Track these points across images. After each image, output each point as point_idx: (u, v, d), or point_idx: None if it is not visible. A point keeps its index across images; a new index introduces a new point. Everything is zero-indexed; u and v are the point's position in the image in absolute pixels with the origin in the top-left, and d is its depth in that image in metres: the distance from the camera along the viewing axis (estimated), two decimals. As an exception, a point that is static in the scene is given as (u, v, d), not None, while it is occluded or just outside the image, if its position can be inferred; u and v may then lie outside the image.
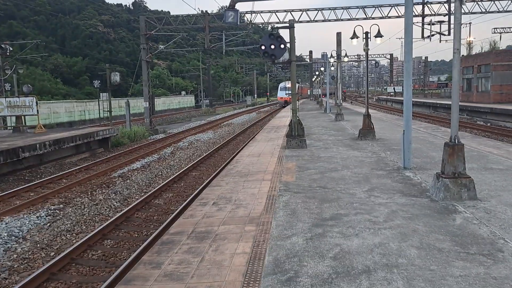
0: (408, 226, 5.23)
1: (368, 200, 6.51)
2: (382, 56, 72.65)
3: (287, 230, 5.28)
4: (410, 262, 4.19)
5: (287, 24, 12.09)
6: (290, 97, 44.50)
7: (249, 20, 30.58)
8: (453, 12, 6.60)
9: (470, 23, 42.40)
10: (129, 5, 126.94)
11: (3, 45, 25.36)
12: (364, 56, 14.54)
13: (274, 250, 4.66)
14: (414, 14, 32.19)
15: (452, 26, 29.51)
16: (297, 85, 22.87)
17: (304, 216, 5.81)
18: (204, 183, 11.82)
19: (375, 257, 4.33)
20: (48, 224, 9.20)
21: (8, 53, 25.44)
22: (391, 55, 74.46)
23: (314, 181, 7.91)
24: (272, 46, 11.40)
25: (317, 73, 61.72)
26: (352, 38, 14.82)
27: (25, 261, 7.21)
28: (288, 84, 53.27)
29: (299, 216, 5.82)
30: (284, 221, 5.64)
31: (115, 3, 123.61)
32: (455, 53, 6.52)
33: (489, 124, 28.14)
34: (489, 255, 4.28)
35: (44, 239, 8.28)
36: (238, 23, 8.78)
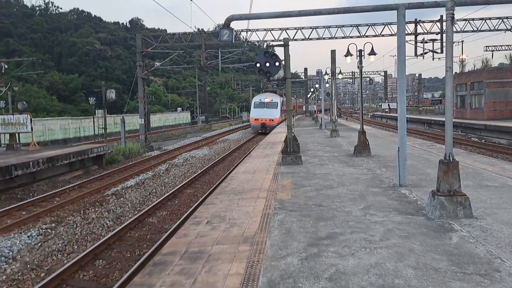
0: (404, 245, 5.15)
1: (364, 218, 6.44)
2: (377, 73, 73.35)
3: (282, 250, 5.19)
4: (406, 283, 4.11)
5: (282, 42, 12.18)
6: (271, 118, 37.38)
7: (244, 38, 30.87)
8: (445, 30, 6.65)
9: (462, 41, 42.90)
10: (126, 23, 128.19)
11: (-2, 63, 25.38)
12: (358, 73, 14.64)
13: (269, 271, 4.57)
14: (407, 32, 32.63)
15: (444, 44, 29.91)
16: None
17: (299, 235, 5.73)
18: (198, 201, 11.71)
19: (371, 278, 4.24)
20: (39, 243, 9.04)
21: (3, 71, 25.42)
22: (385, 72, 75.24)
23: (310, 199, 7.84)
24: (267, 64, 11.46)
25: (312, 89, 61.12)
26: (346, 55, 14.94)
27: (14, 283, 7.05)
28: (268, 98, 41.30)
29: (294, 235, 5.74)
30: (279, 240, 5.55)
31: (112, 21, 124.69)
32: (447, 71, 6.55)
33: (483, 140, 28.28)
34: (486, 275, 4.21)
35: (35, 260, 8.12)
36: (233, 41, 8.81)
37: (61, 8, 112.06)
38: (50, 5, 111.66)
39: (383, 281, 4.16)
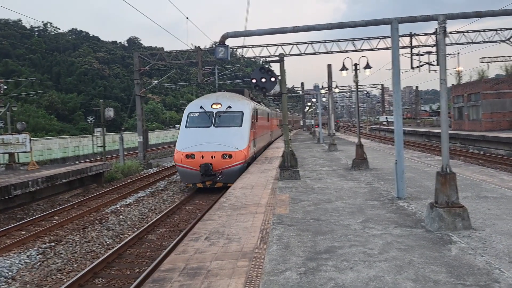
0: (403, 258, 5.15)
1: (363, 231, 6.44)
2: (373, 86, 73.79)
3: (280, 264, 5.18)
4: (406, 295, 4.10)
5: (278, 58, 12.31)
6: (227, 151, 14.19)
7: (241, 54, 31.14)
8: (438, 44, 6.75)
9: (458, 53, 43.32)
10: (123, 42, 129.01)
11: (-3, 84, 25.54)
12: (355, 87, 14.76)
13: (267, 286, 4.55)
14: (402, 45, 33.01)
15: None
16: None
17: (297, 249, 5.72)
18: (197, 218, 11.68)
19: (370, 291, 4.24)
20: (39, 263, 9.00)
21: (2, 91, 25.58)
22: (382, 85, 75.67)
23: (308, 213, 7.84)
24: (263, 80, 11.57)
25: (309, 104, 61.12)
26: (341, 70, 15.09)
27: (12, 303, 7.00)
28: (222, 101, 17.97)
29: (292, 250, 5.73)
30: (278, 255, 5.54)
31: (110, 41, 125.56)
32: (442, 84, 6.64)
33: (482, 152, 28.36)
34: (485, 286, 4.20)
35: (34, 279, 8.07)
36: (229, 58, 8.92)
37: (59, 29, 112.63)
38: (49, 25, 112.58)
39: (382, 294, 4.15)
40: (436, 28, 29.38)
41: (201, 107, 17.57)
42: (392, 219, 7.09)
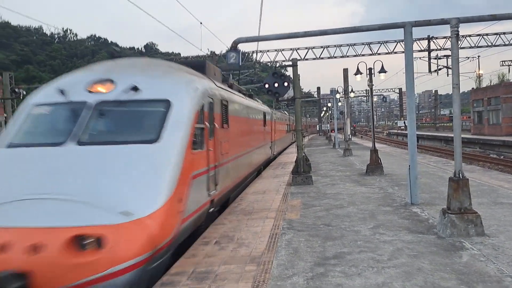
0: (413, 265, 5.08)
1: (373, 237, 6.37)
2: (391, 90, 73.15)
3: (288, 269, 5.16)
4: (413, 302, 4.05)
5: (291, 63, 12.33)
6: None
7: (256, 59, 31.27)
8: (451, 48, 6.67)
9: (478, 56, 42.53)
10: (141, 48, 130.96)
11: (16, 89, 26.15)
12: (374, 91, 14.66)
13: (274, 291, 4.54)
14: (420, 49, 32.67)
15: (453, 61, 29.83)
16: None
17: (306, 255, 5.69)
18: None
19: (377, 298, 4.19)
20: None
21: (21, 97, 26.16)
22: (400, 89, 74.98)
23: (319, 219, 7.79)
24: (276, 84, 11.58)
25: (325, 108, 60.67)
26: (355, 74, 15.00)
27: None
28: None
29: (301, 255, 5.70)
30: (286, 260, 5.52)
31: (128, 47, 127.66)
32: (454, 88, 6.55)
33: (502, 156, 27.76)
34: (495, 294, 4.12)
35: None
36: (240, 64, 8.97)
37: (78, 35, 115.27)
38: (68, 32, 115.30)
39: (389, 301, 4.10)
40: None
41: (63, 92, 6.31)
42: (404, 225, 7.00)
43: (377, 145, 14.73)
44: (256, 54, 27.58)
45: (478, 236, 6.04)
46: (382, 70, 14.40)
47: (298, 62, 12.53)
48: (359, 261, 5.32)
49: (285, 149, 31.06)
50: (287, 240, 6.47)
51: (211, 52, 30.73)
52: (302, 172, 12.21)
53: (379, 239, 6.24)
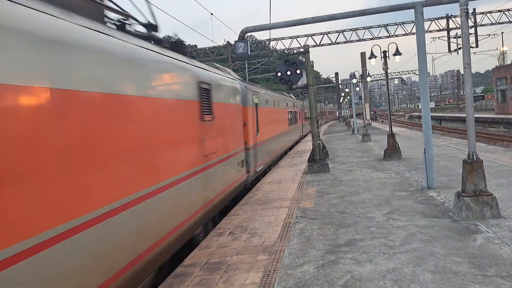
0: (425, 249, 5.03)
1: (387, 223, 6.32)
2: (412, 72, 71.56)
3: (299, 258, 5.19)
4: (423, 287, 4.02)
5: (302, 50, 12.21)
6: None
7: (273, 47, 31.07)
8: (460, 26, 6.48)
9: (502, 32, 40.94)
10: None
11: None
12: (393, 73, 14.40)
13: (284, 279, 4.58)
14: (439, 28, 31.87)
15: (479, 37, 28.79)
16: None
17: (318, 243, 5.70)
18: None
19: (386, 284, 4.17)
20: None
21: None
22: (420, 71, 73.20)
23: (333, 206, 7.78)
24: (288, 72, 11.49)
25: (343, 94, 59.83)
26: (370, 58, 14.75)
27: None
28: None
29: (313, 243, 5.72)
30: (297, 249, 5.55)
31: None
32: (465, 68, 6.38)
33: (527, 135, 26.94)
34: (507, 276, 4.04)
35: None
36: (249, 53, 8.94)
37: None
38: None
39: (398, 286, 4.09)
40: (474, 8, 28.15)
41: None
42: (419, 210, 6.92)
43: (397, 129, 14.53)
44: (269, 42, 27.38)
45: (494, 218, 5.92)
46: (397, 53, 14.10)
47: (314, 48, 12.48)
48: (370, 247, 5.30)
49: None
50: (299, 228, 6.49)
51: (226, 42, 30.60)
52: (318, 159, 12.15)
53: (393, 225, 6.19)
